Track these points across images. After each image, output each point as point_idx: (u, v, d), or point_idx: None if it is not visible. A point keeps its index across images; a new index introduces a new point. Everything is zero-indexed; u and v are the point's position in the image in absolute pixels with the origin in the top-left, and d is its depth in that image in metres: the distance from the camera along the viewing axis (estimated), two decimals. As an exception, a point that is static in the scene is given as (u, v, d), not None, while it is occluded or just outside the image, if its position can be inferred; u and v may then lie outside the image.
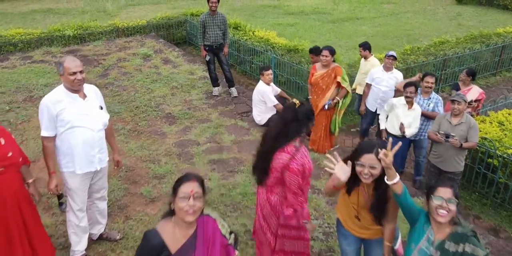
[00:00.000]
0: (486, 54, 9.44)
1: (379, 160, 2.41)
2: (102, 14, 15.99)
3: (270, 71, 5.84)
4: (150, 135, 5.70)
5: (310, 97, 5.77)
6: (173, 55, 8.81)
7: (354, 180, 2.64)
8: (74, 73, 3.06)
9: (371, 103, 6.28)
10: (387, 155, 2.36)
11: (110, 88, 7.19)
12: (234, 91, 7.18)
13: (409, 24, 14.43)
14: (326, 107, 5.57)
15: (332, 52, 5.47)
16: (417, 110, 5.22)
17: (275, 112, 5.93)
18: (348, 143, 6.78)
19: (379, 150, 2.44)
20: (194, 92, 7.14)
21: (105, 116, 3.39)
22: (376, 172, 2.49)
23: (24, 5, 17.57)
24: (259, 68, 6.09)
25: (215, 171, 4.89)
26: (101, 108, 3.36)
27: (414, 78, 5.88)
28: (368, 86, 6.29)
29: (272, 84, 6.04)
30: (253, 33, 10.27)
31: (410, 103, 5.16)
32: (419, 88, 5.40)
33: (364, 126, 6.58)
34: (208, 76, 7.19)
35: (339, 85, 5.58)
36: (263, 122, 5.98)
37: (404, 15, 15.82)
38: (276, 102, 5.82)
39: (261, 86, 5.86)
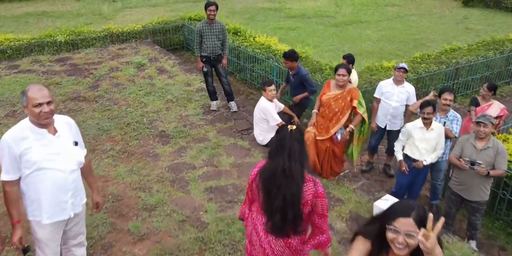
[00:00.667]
0: (500, 62, 8.93)
1: (419, 226, 1.87)
2: (98, 17, 15.49)
3: (272, 87, 5.32)
4: (142, 157, 5.19)
5: (316, 111, 5.16)
6: (169, 64, 8.29)
7: (381, 246, 2.09)
8: (40, 104, 2.55)
9: (380, 119, 5.78)
10: (428, 237, 1.77)
11: (100, 102, 6.68)
12: (233, 105, 6.67)
13: (415, 28, 13.93)
14: (339, 137, 4.93)
15: (349, 70, 4.85)
16: (437, 128, 4.68)
17: (278, 131, 5.44)
18: (356, 161, 6.27)
19: (420, 226, 1.87)
20: (190, 106, 6.62)
21: (80, 154, 2.88)
22: (414, 242, 1.92)
23: (17, 8, 17.06)
24: (261, 82, 5.48)
25: (212, 202, 4.38)
26: (76, 143, 2.86)
27: (429, 97, 5.34)
28: (377, 100, 5.80)
29: (275, 100, 5.52)
30: (254, 39, 9.76)
31: (427, 125, 4.64)
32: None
33: (373, 143, 6.08)
34: (206, 88, 6.68)
35: (353, 109, 4.93)
36: (265, 142, 5.45)
37: (410, 18, 15.31)
38: (279, 120, 5.30)
39: (263, 102, 5.35)
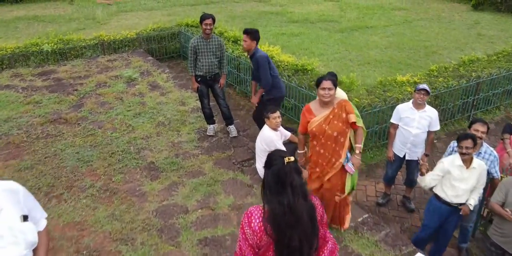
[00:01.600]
0: (523, 75, 8.21)
1: None
2: (91, 22, 14.77)
3: (277, 114, 4.58)
4: (126, 197, 4.47)
5: (301, 151, 4.17)
6: (162, 79, 7.56)
7: None
8: None
9: (398, 148, 5.06)
10: None
11: (83, 125, 5.94)
12: (233, 130, 5.93)
13: (424, 34, 13.20)
14: (352, 167, 3.91)
15: (336, 82, 3.83)
16: (479, 167, 3.94)
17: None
18: (370, 190, 5.56)
19: None
20: (184, 130, 5.87)
21: (32, 232, 2.15)
22: None
23: (8, 12, 16.33)
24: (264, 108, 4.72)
25: (207, 259, 3.66)
26: (25, 218, 2.14)
27: (422, 166, 4.42)
28: (394, 126, 5.08)
29: (280, 128, 4.79)
30: (255, 49, 9.05)
31: (467, 162, 3.91)
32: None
33: (390, 174, 5.34)
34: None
35: (353, 125, 3.87)
36: (268, 176, 4.72)
37: (418, 23, 14.58)
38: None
39: (266, 132, 4.61)
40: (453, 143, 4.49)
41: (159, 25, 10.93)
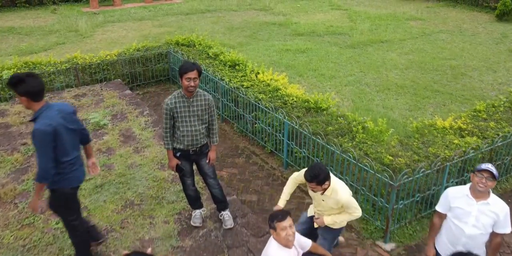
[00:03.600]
0: None
1: None
2: (73, 34, 13.23)
3: (287, 223, 2.91)
4: None
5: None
6: (139, 125, 5.96)
7: None
8: None
9: (444, 247, 3.49)
10: None
11: (22, 206, 4.32)
12: (227, 218, 4.31)
13: (447, 50, 11.65)
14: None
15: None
16: None
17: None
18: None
19: None
20: (160, 216, 4.25)
21: None
22: None
23: (-18, 23, 14.77)
24: (269, 217, 2.97)
25: None
26: None
27: None
28: (440, 216, 3.53)
29: (297, 235, 3.17)
30: (256, 77, 7.52)
31: None
32: None
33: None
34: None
35: None
36: None
37: (438, 36, 13.03)
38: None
39: (272, 250, 3.00)
40: None
41: (145, 44, 9.39)
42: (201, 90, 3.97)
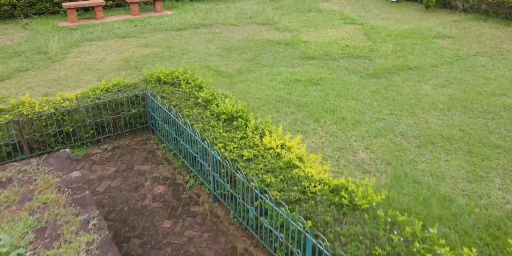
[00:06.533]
0: None
1: None
2: (41, 57, 11.08)
3: None
4: None
5: None
6: (74, 250, 3.80)
7: None
8: None
9: None
10: None
11: None
12: None
13: (493, 81, 9.52)
14: None
15: None
16: None
17: None
18: None
19: None
20: None
21: None
22: None
23: None
24: None
25: None
26: None
27: None
28: None
29: None
30: (261, 140, 5.40)
31: None
32: None
33: None
34: None
35: None
36: None
37: (476, 60, 10.89)
38: None
39: None
40: None
41: (116, 83, 7.24)
42: None
